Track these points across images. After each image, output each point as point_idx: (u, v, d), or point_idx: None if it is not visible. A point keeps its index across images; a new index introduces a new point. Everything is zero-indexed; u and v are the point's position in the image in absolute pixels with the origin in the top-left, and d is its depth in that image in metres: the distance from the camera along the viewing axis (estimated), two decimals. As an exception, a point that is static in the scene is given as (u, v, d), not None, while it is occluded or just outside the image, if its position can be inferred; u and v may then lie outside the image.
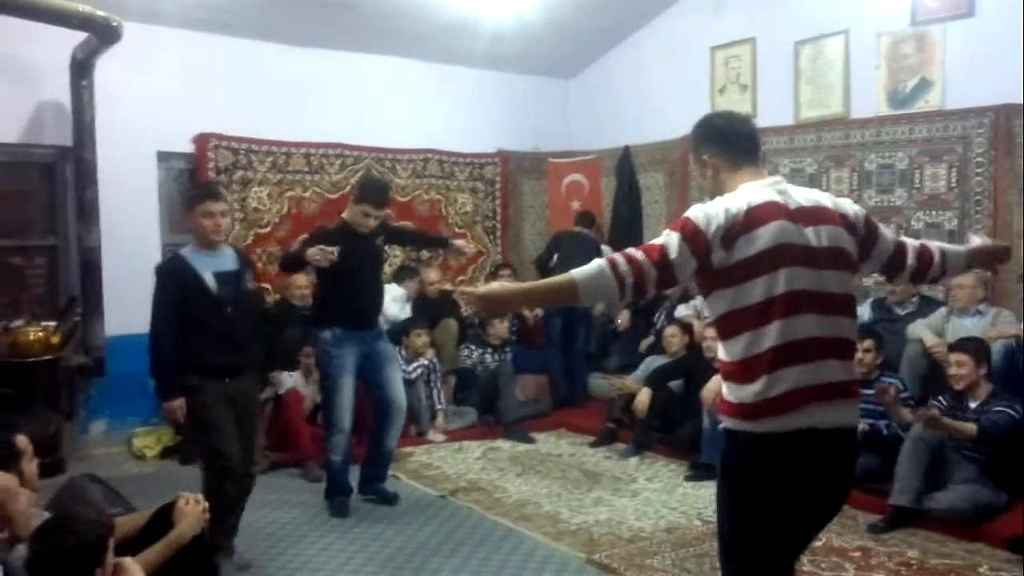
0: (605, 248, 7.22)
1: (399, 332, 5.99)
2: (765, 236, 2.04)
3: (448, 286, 7.25)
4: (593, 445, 5.84)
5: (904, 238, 2.38)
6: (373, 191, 4.53)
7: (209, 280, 3.61)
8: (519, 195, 7.98)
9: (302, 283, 6.07)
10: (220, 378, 3.61)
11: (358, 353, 4.51)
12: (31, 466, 2.73)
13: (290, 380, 5.55)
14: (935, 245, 2.41)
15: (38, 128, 5.64)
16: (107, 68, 5.55)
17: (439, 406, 6.11)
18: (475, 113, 7.53)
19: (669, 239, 2.04)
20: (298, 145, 6.66)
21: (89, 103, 5.51)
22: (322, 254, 4.28)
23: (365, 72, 6.94)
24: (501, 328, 6.63)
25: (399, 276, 6.69)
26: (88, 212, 5.56)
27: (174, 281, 3.61)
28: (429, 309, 6.72)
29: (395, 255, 7.03)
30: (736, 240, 2.03)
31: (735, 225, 2.03)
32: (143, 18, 5.69)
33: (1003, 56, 5.01)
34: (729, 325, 2.08)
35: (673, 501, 4.70)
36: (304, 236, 4.82)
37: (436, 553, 3.99)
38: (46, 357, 5.23)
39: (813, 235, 2.08)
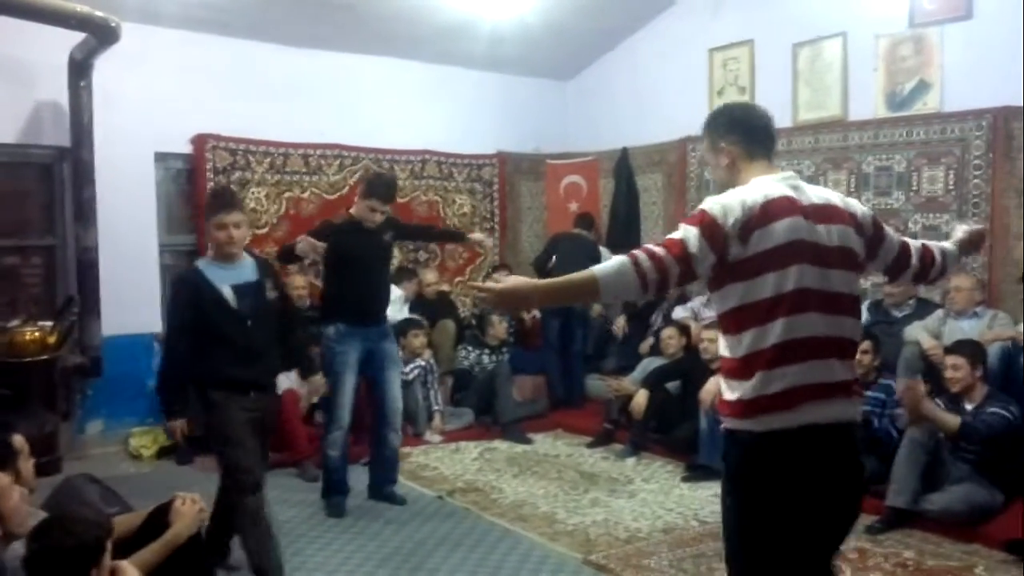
0: (603, 250, 7.23)
1: (396, 333, 5.98)
2: (779, 231, 2.02)
3: (446, 287, 7.26)
4: (590, 446, 5.85)
5: (906, 239, 2.38)
6: (380, 186, 4.52)
7: (227, 294, 3.44)
8: (517, 196, 7.98)
9: (299, 283, 6.08)
10: (243, 393, 3.46)
11: (362, 349, 4.50)
12: (27, 465, 2.72)
13: (286, 380, 5.54)
14: (935, 245, 2.43)
15: (36, 128, 5.64)
16: (105, 69, 5.55)
17: (436, 407, 6.11)
18: (473, 114, 7.54)
19: (687, 233, 2.01)
20: (296, 146, 6.66)
21: (87, 104, 5.51)
22: (308, 245, 4.28)
23: (363, 73, 6.95)
24: (499, 329, 6.63)
25: (397, 277, 6.68)
26: (85, 212, 5.56)
27: (188, 295, 3.46)
28: (427, 310, 6.72)
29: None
30: (751, 234, 2.01)
31: (751, 218, 2.01)
32: (141, 19, 5.69)
33: (1001, 58, 5.02)
34: (736, 320, 2.06)
35: (670, 502, 4.71)
36: (312, 228, 4.81)
37: (433, 553, 3.99)
38: (43, 357, 5.23)
39: (824, 233, 2.07)
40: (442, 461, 5.54)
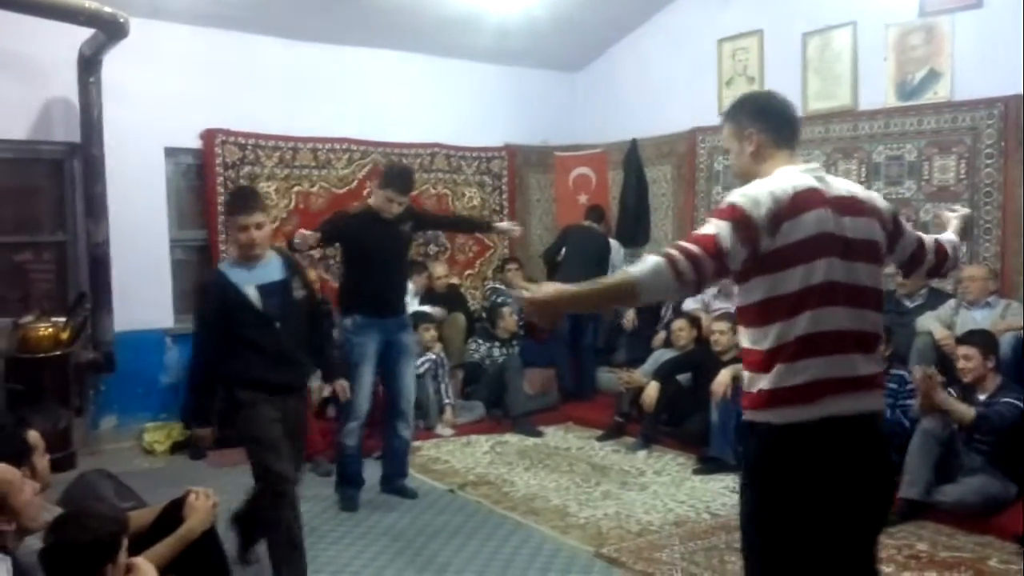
0: (613, 242, 7.24)
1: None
2: (808, 223, 1.98)
3: (456, 280, 7.26)
4: (601, 439, 5.85)
5: (920, 233, 2.37)
6: (397, 177, 4.49)
7: (252, 295, 3.33)
8: (526, 189, 7.97)
9: (311, 277, 6.09)
10: (273, 394, 3.36)
11: (380, 341, 4.50)
12: (43, 461, 2.74)
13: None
14: (946, 239, 2.41)
15: (46, 125, 5.66)
16: (114, 64, 5.56)
17: (447, 400, 6.12)
18: (482, 107, 7.52)
19: (720, 228, 1.96)
20: (305, 140, 6.67)
21: (96, 99, 5.52)
22: (302, 237, 4.28)
23: (372, 67, 6.94)
24: (509, 322, 6.63)
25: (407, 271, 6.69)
26: (96, 208, 5.58)
27: (215, 299, 3.37)
28: (437, 303, 6.73)
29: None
30: (781, 225, 1.97)
31: (781, 209, 1.97)
32: (150, 14, 5.70)
33: (1012, 47, 4.98)
34: (762, 314, 2.03)
35: (681, 494, 4.70)
36: (326, 217, 4.80)
37: (445, 547, 4.00)
38: (56, 353, 5.26)
39: (850, 226, 2.05)
40: (453, 454, 5.55)
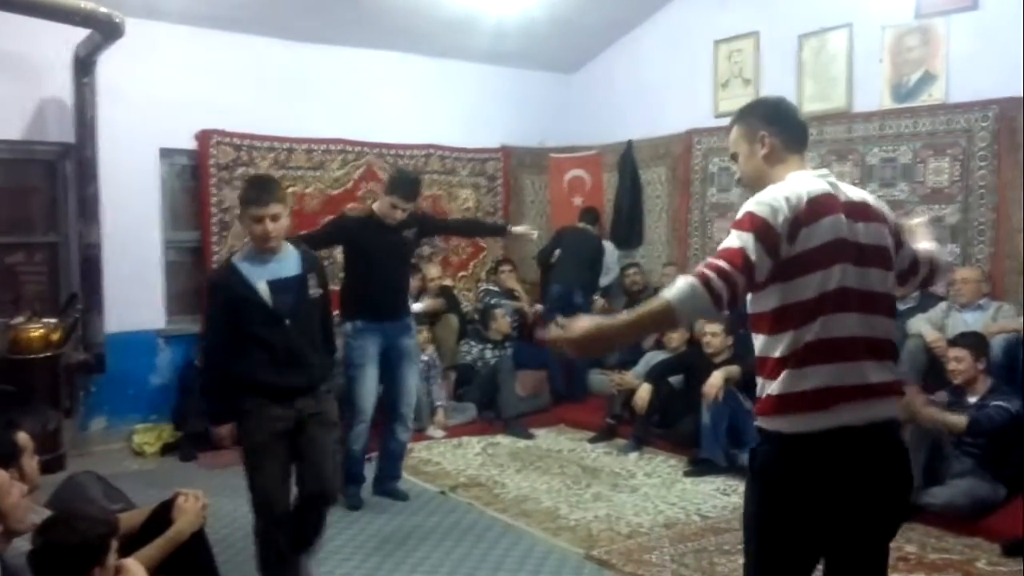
0: (607, 244, 7.24)
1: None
2: (825, 229, 1.96)
3: (449, 281, 7.26)
4: (592, 441, 5.85)
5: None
6: (402, 184, 4.47)
7: (262, 290, 3.14)
8: (521, 190, 7.96)
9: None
10: (278, 402, 3.16)
11: (381, 344, 4.50)
12: (32, 463, 2.74)
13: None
14: (931, 249, 2.37)
15: (40, 125, 5.65)
16: (109, 65, 5.56)
17: (439, 402, 6.12)
18: (477, 108, 7.52)
19: (744, 241, 1.92)
20: (300, 141, 6.66)
21: (91, 100, 5.52)
22: None
23: (367, 68, 6.93)
24: (502, 324, 6.63)
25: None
26: (89, 209, 5.57)
27: (223, 293, 3.19)
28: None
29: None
30: (799, 231, 1.94)
31: (799, 215, 1.94)
32: (145, 14, 5.69)
33: (1007, 49, 4.99)
34: (777, 321, 1.99)
35: (672, 496, 4.71)
36: (328, 218, 4.77)
37: (436, 548, 4.00)
38: (46, 354, 5.25)
39: (863, 231, 2.03)
40: (445, 456, 5.55)
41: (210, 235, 6.23)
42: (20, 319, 5.32)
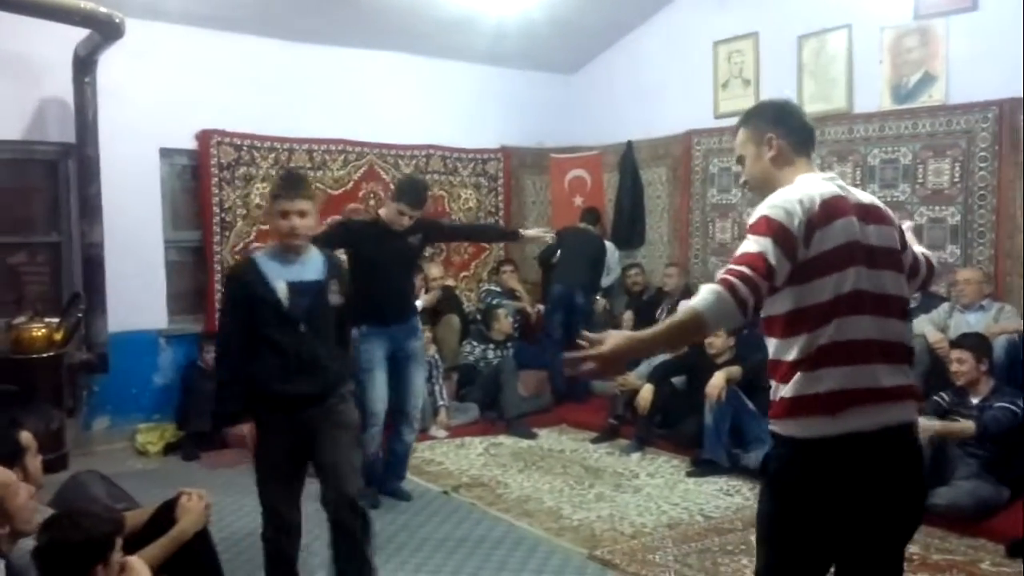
0: (608, 244, 7.24)
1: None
2: (838, 232, 1.95)
3: (451, 282, 7.26)
4: (595, 441, 5.85)
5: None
6: (410, 191, 4.47)
7: (280, 290, 3.02)
8: (522, 191, 7.97)
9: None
10: (287, 412, 3.05)
11: (388, 347, 4.50)
12: (35, 462, 2.73)
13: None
14: (925, 252, 2.38)
15: (41, 125, 5.65)
16: (109, 65, 5.55)
17: (441, 402, 6.11)
18: (478, 109, 7.52)
19: (763, 246, 1.91)
20: (301, 141, 6.66)
21: (92, 100, 5.51)
22: None
23: (368, 68, 6.93)
24: (504, 324, 6.64)
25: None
26: (91, 209, 5.57)
27: (239, 289, 3.08)
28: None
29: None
30: (814, 234, 1.93)
31: (812, 218, 1.94)
32: (145, 15, 5.69)
33: (1007, 50, 5.00)
34: (790, 324, 1.98)
35: (675, 497, 4.71)
36: (334, 219, 4.76)
37: (439, 549, 4.00)
38: (49, 353, 5.24)
39: (874, 233, 2.02)
40: (447, 456, 5.55)
41: (211, 235, 6.23)
42: (23, 319, 5.31)
